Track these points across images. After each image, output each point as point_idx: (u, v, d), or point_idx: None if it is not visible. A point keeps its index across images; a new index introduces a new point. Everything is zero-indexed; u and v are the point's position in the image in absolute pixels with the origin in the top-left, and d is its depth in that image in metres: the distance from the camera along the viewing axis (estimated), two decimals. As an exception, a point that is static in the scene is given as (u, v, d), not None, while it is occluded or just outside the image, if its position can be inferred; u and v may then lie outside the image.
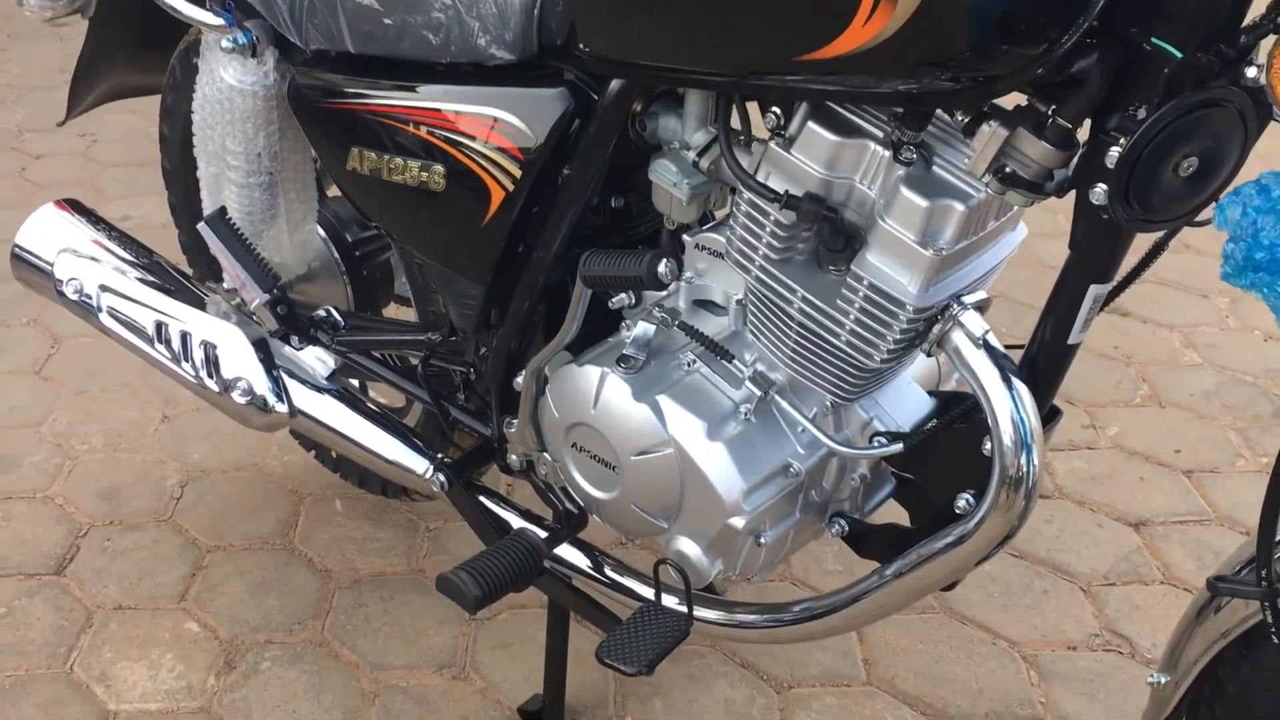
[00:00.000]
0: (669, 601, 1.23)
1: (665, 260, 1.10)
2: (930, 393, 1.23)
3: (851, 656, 1.70)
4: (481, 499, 1.47)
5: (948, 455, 1.13)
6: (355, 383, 1.79)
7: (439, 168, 1.25)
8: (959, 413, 1.12)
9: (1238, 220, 0.75)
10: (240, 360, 1.52)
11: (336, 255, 1.72)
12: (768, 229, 1.08)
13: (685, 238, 1.22)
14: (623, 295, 1.20)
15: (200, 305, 1.62)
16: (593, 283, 1.16)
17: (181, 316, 1.57)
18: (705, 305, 1.24)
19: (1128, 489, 2.02)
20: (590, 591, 1.41)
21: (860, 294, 1.05)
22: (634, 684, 1.64)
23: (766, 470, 1.16)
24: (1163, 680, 1.06)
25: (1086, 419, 2.20)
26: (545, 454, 1.32)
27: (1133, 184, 0.88)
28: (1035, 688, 1.65)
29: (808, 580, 1.83)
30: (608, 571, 1.38)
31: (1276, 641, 0.92)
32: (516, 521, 1.44)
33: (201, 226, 1.47)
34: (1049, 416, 1.12)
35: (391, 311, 1.87)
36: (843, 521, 1.24)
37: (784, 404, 1.16)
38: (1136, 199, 0.89)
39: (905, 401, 1.21)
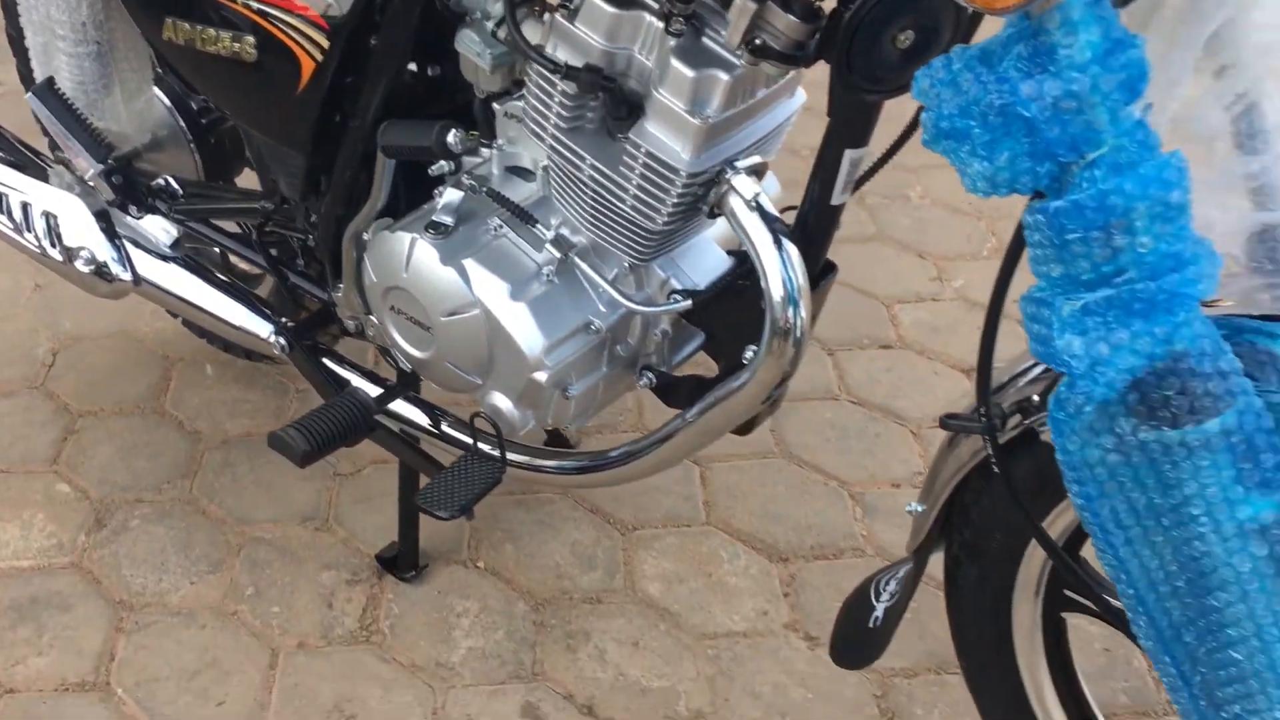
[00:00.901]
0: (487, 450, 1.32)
1: (454, 130, 1.15)
2: (730, 252, 1.31)
3: (694, 500, 1.82)
4: (324, 361, 1.53)
5: (735, 311, 1.22)
6: (218, 251, 1.83)
7: (249, 38, 1.27)
8: (743, 271, 1.20)
9: (927, 90, 0.81)
10: (82, 230, 1.55)
11: (182, 123, 1.72)
12: (555, 99, 1.13)
13: (495, 106, 1.26)
14: (442, 163, 1.25)
15: (43, 177, 1.63)
16: (391, 152, 1.21)
17: (21, 187, 1.58)
18: (518, 172, 1.29)
19: (965, 337, 2.14)
20: (427, 447, 1.49)
21: (640, 161, 1.11)
22: (486, 530, 1.75)
23: (568, 328, 1.24)
24: (920, 508, 1.18)
25: (935, 272, 2.30)
26: (370, 316, 1.39)
27: (854, 54, 0.94)
28: (859, 522, 1.78)
29: (659, 430, 1.93)
30: (442, 426, 1.47)
31: (997, 472, 1.03)
32: (358, 382, 1.51)
33: (29, 96, 1.48)
34: (824, 271, 1.21)
35: (247, 179, 1.89)
36: (651, 374, 1.32)
37: (584, 265, 1.23)
38: (859, 69, 0.95)
39: (705, 261, 1.28)
